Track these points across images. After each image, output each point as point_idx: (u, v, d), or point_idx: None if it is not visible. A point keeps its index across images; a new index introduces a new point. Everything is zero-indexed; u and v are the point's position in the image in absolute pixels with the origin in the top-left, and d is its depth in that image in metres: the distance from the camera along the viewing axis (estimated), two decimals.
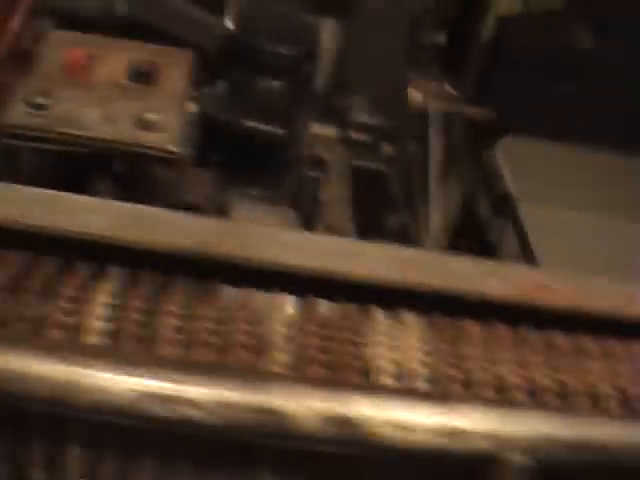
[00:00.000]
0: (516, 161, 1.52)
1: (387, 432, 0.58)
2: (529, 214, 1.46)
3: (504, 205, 1.50)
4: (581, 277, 0.74)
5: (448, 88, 1.16)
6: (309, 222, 1.13)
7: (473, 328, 0.70)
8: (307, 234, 0.72)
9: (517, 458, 0.59)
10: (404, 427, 0.58)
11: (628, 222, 1.46)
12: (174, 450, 0.63)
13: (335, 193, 1.28)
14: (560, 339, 0.72)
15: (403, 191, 1.17)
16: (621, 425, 0.62)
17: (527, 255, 1.44)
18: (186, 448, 0.63)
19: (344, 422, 0.58)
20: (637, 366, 0.72)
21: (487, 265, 0.72)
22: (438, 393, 0.62)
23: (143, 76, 0.94)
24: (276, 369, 0.64)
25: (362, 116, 1.21)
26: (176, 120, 0.91)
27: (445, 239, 1.69)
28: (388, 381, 0.65)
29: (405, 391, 0.61)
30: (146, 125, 0.89)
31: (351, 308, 0.69)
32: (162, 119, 0.90)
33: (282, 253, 0.69)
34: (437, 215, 1.07)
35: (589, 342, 0.72)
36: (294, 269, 0.69)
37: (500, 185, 1.50)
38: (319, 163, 1.21)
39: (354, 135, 1.22)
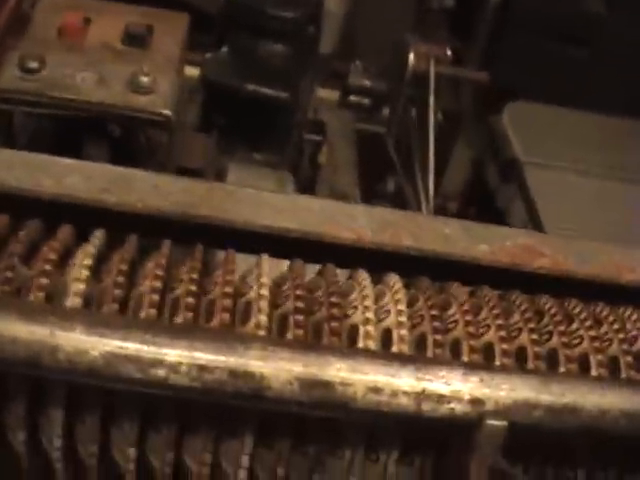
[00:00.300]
0: (524, 126, 1.50)
1: (364, 395, 0.57)
2: (536, 179, 1.44)
3: (511, 170, 1.48)
4: (572, 242, 0.73)
5: (449, 52, 1.14)
6: (309, 185, 1.12)
7: (460, 293, 0.69)
8: (292, 196, 0.70)
9: (494, 421, 0.58)
10: (381, 390, 0.58)
11: (636, 185, 1.45)
12: (154, 412, 0.63)
13: (339, 157, 1.27)
14: (549, 304, 0.70)
15: (401, 155, 1.15)
16: (600, 390, 0.60)
17: (534, 220, 1.43)
18: (165, 410, 0.63)
19: (320, 385, 0.57)
20: (627, 333, 0.71)
21: (477, 229, 0.71)
22: (416, 357, 0.61)
23: (137, 40, 0.93)
24: (257, 332, 0.63)
25: (362, 80, 1.19)
26: (168, 84, 0.90)
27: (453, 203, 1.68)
28: (372, 345, 0.64)
29: (383, 355, 0.60)
30: (138, 88, 0.88)
31: (336, 271, 0.68)
32: (154, 82, 0.89)
33: (266, 216, 0.69)
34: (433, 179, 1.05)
35: (578, 307, 0.71)
36: (278, 231, 0.68)
37: (507, 150, 1.49)
38: (319, 126, 1.20)
39: (354, 98, 1.20)
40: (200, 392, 0.57)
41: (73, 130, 0.91)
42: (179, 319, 0.63)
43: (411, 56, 1.13)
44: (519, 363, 0.66)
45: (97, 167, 0.70)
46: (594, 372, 0.67)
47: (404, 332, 0.65)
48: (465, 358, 0.65)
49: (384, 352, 0.61)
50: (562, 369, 0.67)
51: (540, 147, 1.48)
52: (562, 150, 1.48)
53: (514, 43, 1.63)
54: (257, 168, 1.08)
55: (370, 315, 0.65)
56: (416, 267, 0.68)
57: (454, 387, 0.59)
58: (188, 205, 0.68)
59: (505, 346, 0.66)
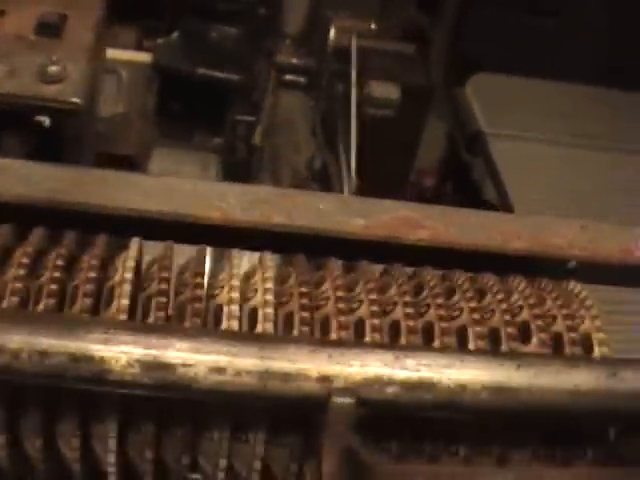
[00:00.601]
0: (487, 97, 1.47)
1: (206, 376, 0.56)
2: (501, 150, 1.42)
3: (477, 143, 1.46)
4: (456, 213, 0.71)
5: (374, 25, 1.12)
6: (245, 167, 1.11)
7: (335, 269, 0.67)
8: (164, 179, 0.69)
9: (343, 399, 0.57)
10: (224, 370, 0.56)
11: (602, 152, 1.41)
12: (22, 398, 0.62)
13: (300, 137, 1.25)
14: (429, 277, 0.68)
15: (326, 131, 1.13)
16: (460, 363, 0.59)
17: (500, 192, 1.40)
18: (33, 398, 0.62)
19: (161, 367, 0.56)
20: (512, 304, 0.69)
21: (354, 203, 0.69)
22: (262, 335, 0.60)
23: (50, 29, 0.92)
24: (119, 316, 0.62)
25: (291, 57, 1.17)
26: (80, 72, 0.89)
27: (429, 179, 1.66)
28: (235, 325, 0.63)
29: (227, 334, 0.58)
30: (49, 78, 0.87)
31: (205, 253, 0.67)
32: (65, 71, 0.88)
33: (137, 199, 0.68)
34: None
35: (461, 279, 0.69)
36: (149, 214, 0.67)
37: (472, 122, 1.46)
38: (253, 107, 1.18)
39: (289, 77, 1.18)
40: (43, 377, 0.56)
41: None
42: (41, 306, 0.62)
43: (332, 31, 1.11)
44: (392, 338, 0.65)
45: None
46: (471, 345, 0.65)
47: (269, 310, 0.63)
48: (334, 335, 0.63)
49: (229, 332, 0.60)
50: (437, 342, 0.65)
51: (504, 118, 1.45)
52: (527, 120, 1.45)
53: (482, 15, 1.60)
54: (183, 152, 1.07)
55: (235, 295, 0.64)
56: (290, 244, 0.67)
57: (300, 365, 0.57)
58: (58, 191, 0.67)
59: (376, 321, 0.64)
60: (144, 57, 1.35)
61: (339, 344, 0.58)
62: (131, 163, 1.04)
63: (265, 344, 0.57)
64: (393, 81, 1.45)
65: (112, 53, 1.34)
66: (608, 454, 0.63)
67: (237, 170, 1.10)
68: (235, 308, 0.63)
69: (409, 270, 0.69)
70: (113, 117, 1.11)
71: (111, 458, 0.63)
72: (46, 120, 0.93)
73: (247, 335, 0.59)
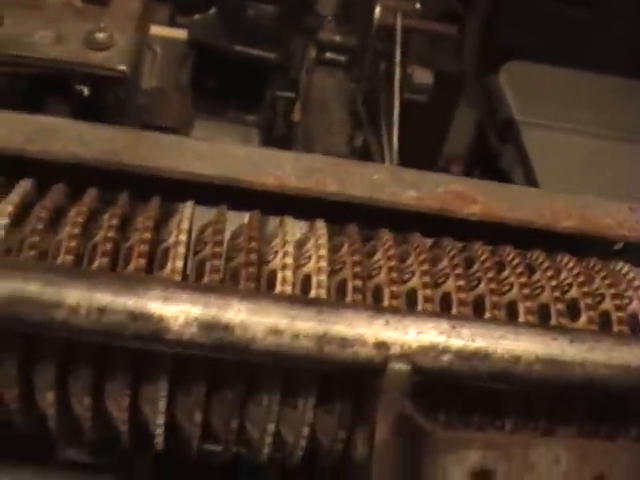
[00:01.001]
0: (520, 85, 1.47)
1: (264, 338, 0.56)
2: (532, 139, 1.41)
3: (508, 130, 1.45)
4: (508, 189, 0.71)
5: (418, 5, 1.11)
6: (283, 144, 1.10)
7: (388, 239, 0.67)
8: (218, 144, 0.69)
9: (399, 365, 0.57)
10: (282, 333, 0.56)
11: (632, 144, 1.41)
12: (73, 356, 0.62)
13: (333, 117, 1.25)
14: (480, 251, 0.68)
15: (368, 110, 1.13)
16: (514, 335, 0.58)
17: (530, 180, 1.40)
18: (84, 356, 0.62)
19: (220, 327, 0.56)
20: (561, 281, 0.68)
21: (407, 175, 0.69)
22: (320, 300, 0.60)
23: None
24: (173, 277, 0.62)
25: (333, 35, 1.17)
26: (126, 40, 0.89)
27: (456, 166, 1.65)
28: (288, 290, 0.63)
29: (285, 297, 0.58)
30: (96, 45, 0.87)
31: (258, 218, 0.67)
32: (112, 39, 0.88)
33: (190, 163, 0.67)
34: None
35: (511, 255, 0.69)
36: (201, 178, 0.67)
37: (504, 110, 1.45)
38: (293, 84, 1.18)
39: (330, 55, 1.18)
40: (100, 334, 0.56)
41: (36, 88, 0.90)
42: (96, 265, 0.62)
43: (377, 9, 1.10)
44: (443, 310, 0.65)
45: (20, 117, 0.69)
46: (521, 320, 0.65)
47: (323, 278, 0.63)
48: (386, 304, 0.63)
49: (287, 295, 0.60)
50: (487, 316, 0.65)
51: (537, 106, 1.44)
52: (559, 110, 1.45)
53: (515, 3, 1.59)
54: (224, 126, 1.07)
55: (289, 260, 0.64)
56: (342, 214, 0.67)
57: (358, 330, 0.57)
58: (111, 152, 0.67)
59: (428, 292, 0.64)
60: (179, 33, 1.34)
61: (396, 311, 0.58)
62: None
63: (323, 308, 0.57)
64: (426, 66, 1.45)
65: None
66: None
67: (277, 146, 1.09)
68: (289, 274, 0.63)
69: (460, 244, 0.69)
70: (152, 90, 1.11)
71: (159, 420, 0.63)
72: (85, 89, 0.93)
73: (305, 299, 0.59)
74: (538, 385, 0.60)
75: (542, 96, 1.47)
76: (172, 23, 1.47)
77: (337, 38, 1.16)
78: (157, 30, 1.40)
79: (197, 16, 1.26)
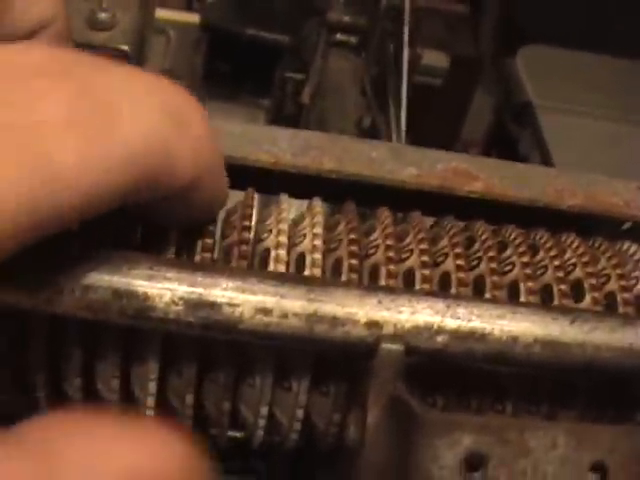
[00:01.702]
0: (538, 69, 1.44)
1: (252, 316, 0.54)
2: (550, 122, 1.38)
3: (525, 114, 1.42)
4: (512, 166, 0.68)
5: None
6: (293, 125, 1.08)
7: (386, 217, 0.65)
8: (215, 122, 0.67)
9: (392, 345, 0.54)
10: (270, 311, 0.54)
11: None
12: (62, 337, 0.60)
13: (347, 103, 1.22)
14: (481, 230, 0.66)
15: (377, 91, 1.10)
16: (512, 315, 0.56)
17: (546, 164, 1.37)
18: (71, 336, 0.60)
19: (206, 305, 0.54)
20: (566, 261, 0.66)
21: (407, 152, 0.66)
22: (311, 278, 0.58)
23: None
24: (167, 255, 0.60)
25: (341, 15, 1.14)
26: (130, 20, 0.87)
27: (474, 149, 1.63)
28: (282, 269, 0.60)
29: (274, 275, 0.56)
30: (98, 24, 0.85)
31: (254, 195, 0.64)
32: (115, 18, 0.86)
33: None
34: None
35: (513, 234, 0.66)
36: None
37: (521, 93, 1.43)
38: (302, 65, 1.15)
39: (340, 37, 1.16)
40: (85, 311, 0.54)
41: None
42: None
43: None
44: (442, 290, 0.62)
45: None
46: (523, 300, 0.62)
47: (317, 256, 0.61)
48: (383, 283, 0.61)
49: (276, 273, 0.57)
50: (488, 296, 0.62)
51: (554, 90, 1.41)
52: (577, 94, 1.42)
53: None
54: (230, 109, 1.04)
55: (282, 239, 0.61)
56: (340, 191, 0.64)
57: (349, 309, 0.55)
58: None
59: (426, 272, 0.61)
60: (194, 18, 1.33)
61: (389, 290, 0.56)
62: None
63: (313, 287, 0.55)
64: (443, 49, 1.42)
65: (162, 14, 1.33)
66: None
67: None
68: (283, 252, 0.61)
69: (461, 222, 0.66)
70: (160, 72, 1.09)
71: (150, 401, 0.61)
72: None
73: (295, 277, 0.56)
74: (537, 367, 0.57)
75: (559, 80, 1.44)
76: (189, 8, 1.46)
77: (346, 18, 1.14)
78: (171, 14, 1.39)
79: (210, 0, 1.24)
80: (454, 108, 1.54)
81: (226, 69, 1.29)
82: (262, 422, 0.62)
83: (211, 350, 0.60)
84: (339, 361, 0.60)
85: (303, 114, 1.11)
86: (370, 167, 0.64)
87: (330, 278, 0.58)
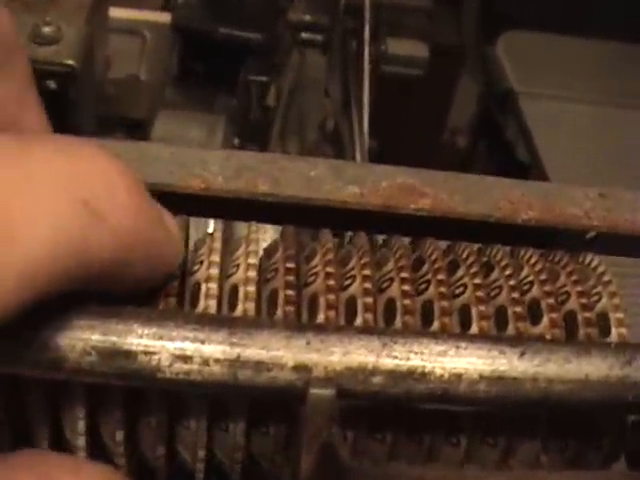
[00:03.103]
0: (519, 55, 1.37)
1: (171, 364, 0.48)
2: (533, 109, 1.32)
3: (508, 101, 1.35)
4: (462, 179, 0.61)
5: None
6: (259, 129, 1.02)
7: (326, 240, 0.59)
8: (141, 144, 0.61)
9: (322, 390, 0.48)
10: (190, 358, 0.48)
11: (632, 110, 1.30)
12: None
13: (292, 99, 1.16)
14: (430, 250, 0.60)
15: (341, 93, 1.04)
16: (455, 350, 0.50)
17: (531, 151, 1.30)
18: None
19: (121, 355, 0.48)
20: (522, 279, 0.59)
21: (348, 169, 0.60)
22: (232, 319, 0.52)
23: None
24: None
25: (302, 15, 1.08)
26: (75, 33, 0.81)
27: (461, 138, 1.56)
28: (212, 304, 0.55)
29: (194, 317, 0.50)
30: (42, 39, 0.79)
31: (187, 222, 0.59)
32: (60, 32, 0.80)
33: None
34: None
35: (465, 252, 0.60)
36: None
37: (503, 81, 1.36)
38: (270, 67, 1.09)
39: (305, 35, 1.09)
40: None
41: None
42: None
43: None
44: (386, 319, 0.56)
45: None
46: (475, 326, 0.56)
47: (251, 289, 0.55)
48: (322, 315, 0.55)
49: (195, 315, 0.51)
50: (436, 324, 0.56)
51: (536, 76, 1.34)
52: (559, 78, 1.35)
53: None
54: (190, 115, 0.98)
55: (214, 271, 0.55)
56: (277, 215, 0.58)
57: (275, 352, 0.49)
58: None
59: (368, 300, 0.55)
60: (168, 18, 1.27)
61: (319, 329, 0.50)
62: (139, 126, 0.96)
63: (236, 329, 0.49)
64: (424, 39, 1.36)
65: (137, 14, 1.28)
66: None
67: (252, 132, 1.01)
68: (213, 286, 0.55)
69: (408, 243, 0.60)
70: (126, 79, 1.03)
71: (81, 441, 0.56)
72: (52, 83, 0.85)
73: (216, 319, 0.50)
74: (486, 404, 0.51)
75: (542, 66, 1.37)
76: (165, 8, 1.40)
77: (307, 17, 1.07)
78: (146, 15, 1.33)
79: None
80: (438, 97, 1.47)
81: (200, 70, 1.23)
82: (201, 465, 0.56)
83: (141, 393, 0.54)
84: (272, 403, 0.54)
85: (269, 117, 1.05)
86: (308, 187, 0.58)
87: (255, 318, 0.52)
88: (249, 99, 1.07)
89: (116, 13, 1.23)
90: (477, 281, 0.57)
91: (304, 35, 1.08)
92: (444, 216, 0.60)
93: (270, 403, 0.55)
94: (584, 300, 0.58)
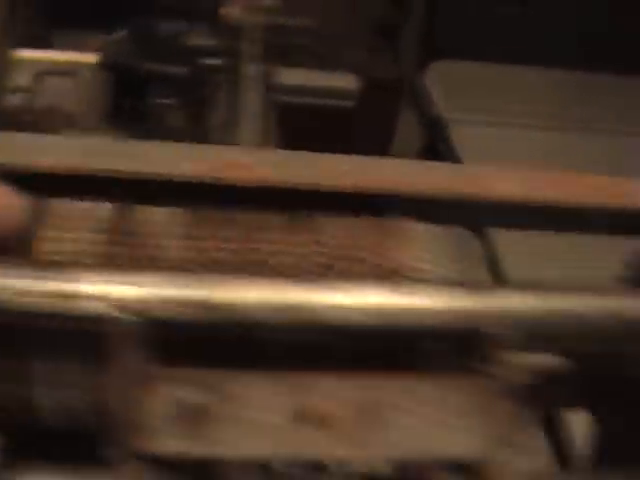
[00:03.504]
0: (447, 83, 1.48)
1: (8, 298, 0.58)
2: (461, 135, 1.42)
3: (436, 128, 1.47)
4: (285, 155, 0.73)
5: (268, 1, 1.13)
6: None
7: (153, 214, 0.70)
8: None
9: (126, 317, 0.59)
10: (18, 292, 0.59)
11: (556, 133, 1.40)
12: None
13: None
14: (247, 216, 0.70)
15: (229, 113, 1.15)
16: (241, 281, 0.60)
17: None
18: None
19: None
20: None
21: (183, 148, 0.72)
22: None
23: None
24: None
25: (196, 40, 1.19)
26: None
27: None
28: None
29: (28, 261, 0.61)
30: None
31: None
32: None
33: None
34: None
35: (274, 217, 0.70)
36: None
37: (431, 109, 1.47)
38: (174, 91, 1.21)
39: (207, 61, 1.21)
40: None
41: None
42: None
43: (231, 8, 1.13)
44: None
45: None
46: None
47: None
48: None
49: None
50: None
51: (465, 103, 1.45)
52: (489, 104, 1.46)
53: (451, 5, 1.61)
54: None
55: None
56: (110, 191, 0.70)
57: (76, 284, 0.59)
58: None
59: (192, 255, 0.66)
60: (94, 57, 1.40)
61: (123, 267, 0.61)
62: None
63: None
64: (361, 73, 1.47)
65: (77, 57, 1.40)
66: None
67: None
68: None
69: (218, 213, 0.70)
70: (42, 111, 1.15)
71: None
72: None
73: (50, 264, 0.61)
74: (275, 331, 0.61)
75: (471, 92, 1.48)
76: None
77: (206, 42, 1.19)
78: (86, 57, 1.46)
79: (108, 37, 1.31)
80: (379, 128, 1.58)
81: (129, 105, 1.35)
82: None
83: None
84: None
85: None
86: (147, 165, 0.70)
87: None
88: (155, 121, 1.18)
89: (58, 56, 1.37)
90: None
91: (208, 61, 1.19)
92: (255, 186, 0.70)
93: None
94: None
